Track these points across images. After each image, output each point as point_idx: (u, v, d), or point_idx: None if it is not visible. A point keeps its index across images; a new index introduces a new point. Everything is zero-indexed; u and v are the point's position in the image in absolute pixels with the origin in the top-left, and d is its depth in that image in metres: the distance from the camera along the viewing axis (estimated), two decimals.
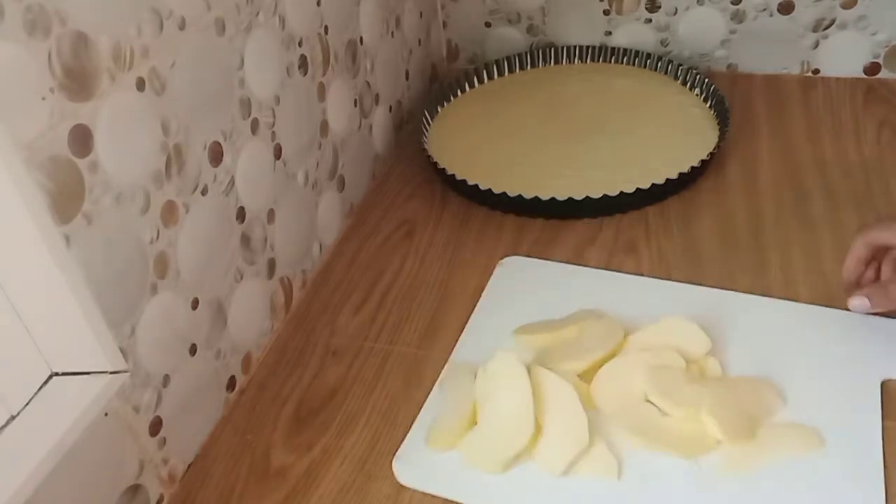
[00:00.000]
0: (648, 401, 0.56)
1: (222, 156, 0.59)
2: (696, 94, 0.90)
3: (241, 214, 0.63)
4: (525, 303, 0.66)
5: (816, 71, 0.94)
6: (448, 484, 0.54)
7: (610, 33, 1.00)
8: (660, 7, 0.97)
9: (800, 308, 0.63)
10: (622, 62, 0.98)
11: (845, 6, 0.88)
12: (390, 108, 0.91)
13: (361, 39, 0.82)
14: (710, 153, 0.78)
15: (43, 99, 0.43)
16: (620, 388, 0.57)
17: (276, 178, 0.67)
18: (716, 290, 0.65)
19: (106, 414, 0.50)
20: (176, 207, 0.54)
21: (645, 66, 0.96)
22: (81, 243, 0.46)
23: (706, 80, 0.89)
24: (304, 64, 0.70)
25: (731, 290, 0.65)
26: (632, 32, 0.99)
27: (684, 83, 0.93)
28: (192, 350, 0.58)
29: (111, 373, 0.50)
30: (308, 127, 0.72)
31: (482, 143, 0.87)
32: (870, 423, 0.53)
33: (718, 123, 0.84)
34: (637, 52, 0.97)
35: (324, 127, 0.75)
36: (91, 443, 0.48)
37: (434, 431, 0.56)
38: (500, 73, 1.00)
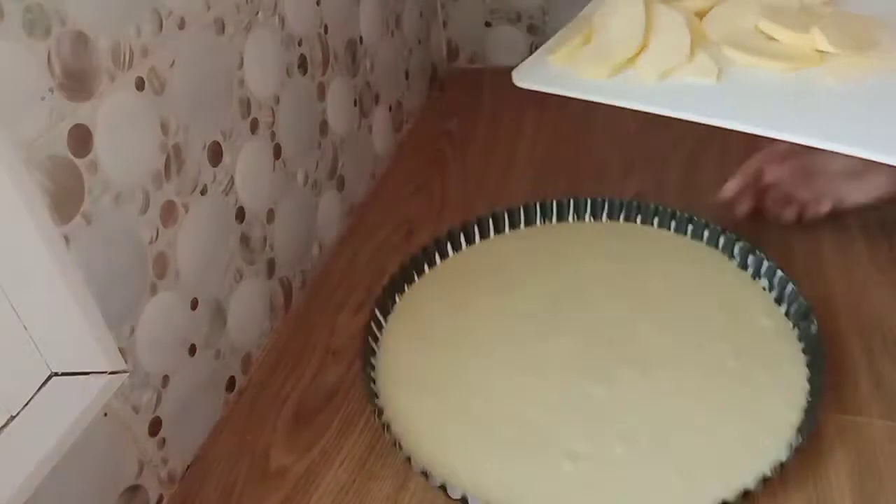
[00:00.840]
0: (760, 31, 0.57)
1: (222, 156, 0.59)
2: (763, 289, 0.63)
3: (240, 214, 0.62)
4: None
5: None
6: (559, 84, 0.58)
7: None
8: None
9: None
10: (651, 223, 0.71)
11: None
12: (390, 108, 0.91)
13: (361, 39, 0.82)
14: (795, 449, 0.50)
15: (42, 99, 0.43)
16: (732, 22, 0.58)
17: (275, 178, 0.67)
18: None
19: (105, 414, 0.49)
20: (175, 207, 0.54)
21: (686, 234, 0.69)
22: (81, 243, 0.46)
23: (777, 272, 0.62)
24: (303, 64, 0.70)
25: None
26: None
27: (743, 267, 0.65)
28: (192, 350, 0.58)
29: (110, 373, 0.50)
30: (308, 127, 0.72)
31: (436, 371, 0.61)
32: None
33: (807, 358, 0.57)
34: (674, 213, 0.69)
35: (324, 127, 0.75)
36: (90, 443, 0.48)
37: (555, 45, 0.61)
38: (485, 235, 0.72)
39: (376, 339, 0.63)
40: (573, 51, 0.60)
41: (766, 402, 0.54)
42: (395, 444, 0.52)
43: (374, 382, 0.59)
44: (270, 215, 0.67)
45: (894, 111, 0.50)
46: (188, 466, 0.58)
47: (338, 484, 0.56)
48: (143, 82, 0.50)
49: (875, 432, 0.55)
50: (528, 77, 0.59)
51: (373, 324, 0.63)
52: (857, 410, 0.56)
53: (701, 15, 0.60)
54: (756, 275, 0.64)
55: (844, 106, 0.51)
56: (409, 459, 0.52)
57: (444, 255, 0.70)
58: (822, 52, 0.54)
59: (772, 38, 0.56)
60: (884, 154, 0.47)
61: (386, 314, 0.65)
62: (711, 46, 0.57)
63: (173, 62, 0.53)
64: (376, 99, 0.87)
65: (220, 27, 0.58)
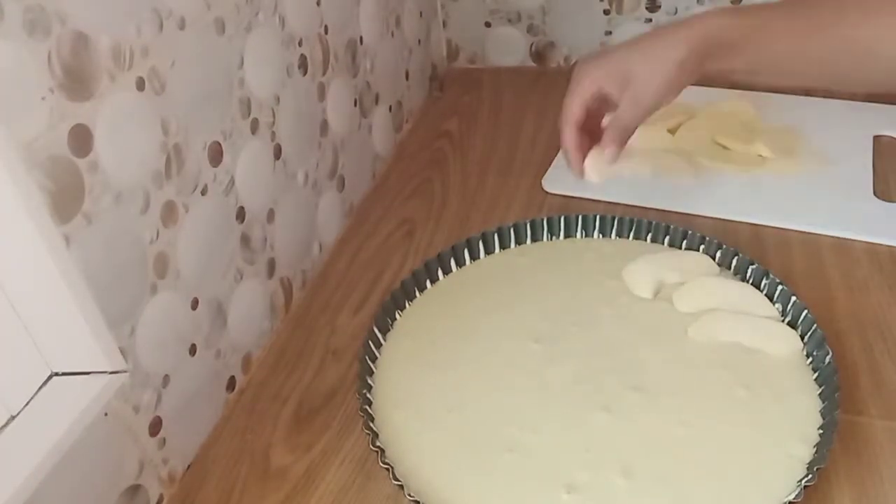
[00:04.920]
0: (717, 142, 0.83)
1: (222, 156, 0.59)
2: (778, 310, 0.62)
3: (240, 214, 0.62)
4: None
5: None
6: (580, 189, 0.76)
7: (610, 33, 1.00)
8: (660, 7, 0.97)
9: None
10: (662, 242, 0.70)
11: None
12: (390, 108, 0.91)
13: (361, 39, 0.82)
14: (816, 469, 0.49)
15: (43, 99, 0.42)
16: (696, 136, 0.84)
17: (275, 178, 0.67)
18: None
19: (106, 414, 0.49)
20: (175, 207, 0.54)
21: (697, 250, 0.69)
22: (81, 243, 0.46)
23: (793, 297, 0.61)
24: (303, 64, 0.70)
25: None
26: (632, 32, 0.99)
27: (743, 279, 0.66)
28: (192, 350, 0.58)
29: (111, 373, 0.50)
30: (308, 127, 0.72)
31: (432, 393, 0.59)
32: (862, 161, 0.79)
33: (819, 387, 0.56)
34: (686, 233, 0.69)
35: (324, 127, 0.75)
36: (91, 443, 0.48)
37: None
38: (490, 251, 0.71)
39: (374, 359, 0.61)
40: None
41: (775, 435, 0.53)
42: (388, 471, 0.51)
43: (371, 405, 0.57)
44: (270, 215, 0.67)
45: (818, 195, 0.76)
46: (188, 466, 0.58)
47: (338, 484, 0.56)
48: (144, 82, 0.50)
49: (875, 432, 0.55)
50: (554, 183, 0.82)
51: (371, 342, 0.61)
52: (857, 410, 0.56)
53: (672, 131, 0.85)
54: (770, 298, 0.63)
55: (783, 194, 0.77)
56: (401, 487, 0.50)
57: (447, 271, 0.69)
58: (763, 156, 0.81)
59: (726, 148, 0.82)
60: (807, 225, 0.72)
61: (385, 332, 0.64)
62: (684, 155, 0.82)
63: (173, 62, 0.53)
64: (376, 99, 0.87)
65: (221, 27, 0.58)
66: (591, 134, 0.63)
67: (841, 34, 0.57)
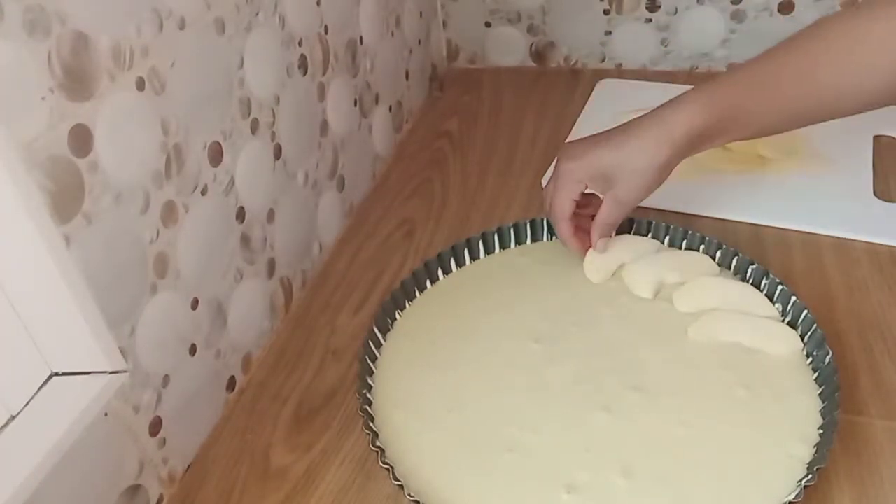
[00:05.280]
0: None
1: (222, 156, 0.59)
2: (778, 310, 0.62)
3: (240, 214, 0.62)
4: None
5: None
6: None
7: (610, 33, 1.00)
8: (660, 7, 0.97)
9: None
10: (662, 241, 0.70)
11: (845, 6, 0.88)
12: (390, 108, 0.91)
13: (361, 39, 0.82)
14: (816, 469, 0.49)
15: (43, 99, 0.42)
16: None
17: (275, 178, 0.67)
18: None
19: (106, 414, 0.49)
20: (176, 207, 0.54)
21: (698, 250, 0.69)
22: (81, 243, 0.46)
23: (793, 297, 0.61)
24: (304, 64, 0.70)
25: None
26: (632, 32, 0.99)
27: (743, 279, 0.65)
28: (192, 350, 0.58)
29: (111, 373, 0.50)
30: (308, 127, 0.72)
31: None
32: (862, 161, 0.79)
33: (819, 387, 0.55)
34: (686, 233, 0.69)
35: (324, 127, 0.75)
36: (91, 443, 0.48)
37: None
38: (490, 251, 0.71)
39: (374, 359, 0.61)
40: None
41: (775, 435, 0.53)
42: (388, 472, 0.51)
43: (371, 405, 0.57)
44: (271, 215, 0.67)
45: (818, 195, 0.76)
46: (188, 466, 0.58)
47: (338, 484, 0.56)
48: (144, 82, 0.50)
49: (875, 432, 0.55)
50: None
51: (371, 342, 0.61)
52: (857, 410, 0.56)
53: None
54: (770, 298, 0.62)
55: (784, 194, 0.77)
56: (401, 487, 0.50)
57: (447, 271, 0.69)
58: (763, 157, 0.81)
59: (727, 149, 0.80)
60: (807, 225, 0.72)
61: (385, 332, 0.64)
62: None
63: (173, 62, 0.53)
64: (376, 99, 0.87)
65: (221, 27, 0.58)
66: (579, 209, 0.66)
67: (809, 91, 0.60)
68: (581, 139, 0.64)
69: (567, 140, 0.84)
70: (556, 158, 0.65)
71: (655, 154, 0.60)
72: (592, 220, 0.65)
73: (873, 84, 0.58)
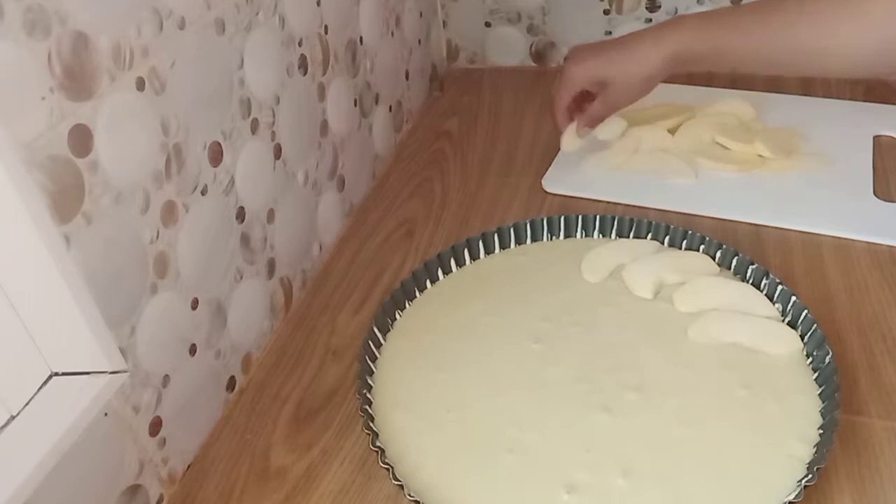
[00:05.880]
0: (717, 142, 0.83)
1: (222, 155, 0.59)
2: (778, 310, 0.62)
3: (240, 214, 0.63)
4: None
5: None
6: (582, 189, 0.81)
7: (610, 33, 1.00)
8: (660, 7, 0.97)
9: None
10: (662, 241, 0.70)
11: None
12: (390, 108, 0.91)
13: (361, 39, 0.82)
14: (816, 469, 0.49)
15: (43, 99, 0.42)
16: (696, 136, 0.84)
17: (275, 178, 0.67)
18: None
19: (106, 414, 0.49)
20: (176, 207, 0.54)
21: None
22: (81, 243, 0.46)
23: (793, 297, 0.61)
24: (304, 64, 0.70)
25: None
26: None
27: (743, 279, 0.65)
28: (192, 350, 0.58)
29: (111, 373, 0.50)
30: (308, 127, 0.72)
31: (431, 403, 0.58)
32: (862, 161, 0.80)
33: (819, 387, 0.55)
34: (686, 233, 0.69)
35: (324, 127, 0.75)
36: (91, 443, 0.48)
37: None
38: (490, 251, 0.71)
39: (374, 359, 0.61)
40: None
41: (775, 434, 0.53)
42: (388, 472, 0.51)
43: (371, 405, 0.57)
44: (271, 215, 0.67)
45: (818, 195, 0.76)
46: (188, 466, 0.58)
47: (338, 484, 0.56)
48: (144, 82, 0.50)
49: (875, 432, 0.55)
50: (554, 183, 0.83)
51: (371, 342, 0.61)
52: (857, 410, 0.56)
53: (672, 131, 0.85)
54: (770, 298, 0.62)
55: (783, 194, 0.77)
56: (401, 487, 0.50)
57: (447, 271, 0.69)
58: (762, 156, 0.81)
59: (726, 148, 0.82)
60: (807, 225, 0.72)
61: (385, 332, 0.64)
62: (684, 155, 0.82)
63: (174, 62, 0.53)
64: (376, 99, 0.87)
65: (221, 27, 0.58)
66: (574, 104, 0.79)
67: (792, 45, 0.66)
68: (587, 45, 0.77)
69: None
70: (565, 61, 0.78)
71: (643, 68, 0.72)
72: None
73: (859, 54, 0.64)
